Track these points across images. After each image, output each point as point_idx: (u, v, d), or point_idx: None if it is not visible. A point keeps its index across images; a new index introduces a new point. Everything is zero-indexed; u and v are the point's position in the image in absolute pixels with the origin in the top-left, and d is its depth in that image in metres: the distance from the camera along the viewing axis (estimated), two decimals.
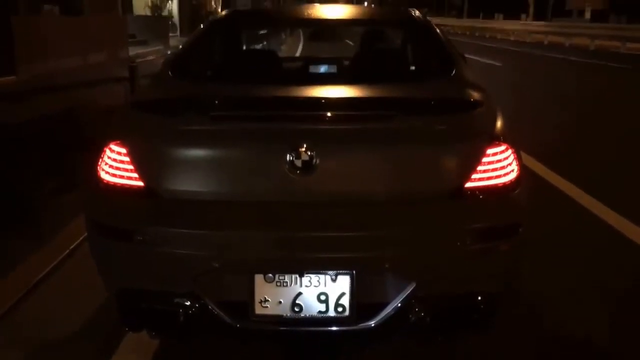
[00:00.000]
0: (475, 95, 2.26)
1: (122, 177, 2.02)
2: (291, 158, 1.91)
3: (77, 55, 11.53)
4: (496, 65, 15.30)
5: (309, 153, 1.90)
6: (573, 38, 22.67)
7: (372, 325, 1.95)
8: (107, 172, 2.04)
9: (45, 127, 5.89)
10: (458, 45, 2.80)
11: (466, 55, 3.03)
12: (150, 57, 10.92)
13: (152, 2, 20.96)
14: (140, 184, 2.00)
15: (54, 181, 4.37)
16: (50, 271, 3.07)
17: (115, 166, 2.03)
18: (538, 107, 8.77)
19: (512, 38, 27.62)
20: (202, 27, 3.08)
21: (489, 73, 12.77)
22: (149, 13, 20.75)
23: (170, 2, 22.13)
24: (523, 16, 35.91)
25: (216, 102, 2.14)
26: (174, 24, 22.60)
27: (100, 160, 2.07)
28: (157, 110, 2.19)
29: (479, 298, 2.05)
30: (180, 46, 2.86)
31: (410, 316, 1.97)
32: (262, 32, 11.99)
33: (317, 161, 1.91)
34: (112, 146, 2.05)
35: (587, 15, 36.34)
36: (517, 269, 2.20)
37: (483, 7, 42.00)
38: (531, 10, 36.15)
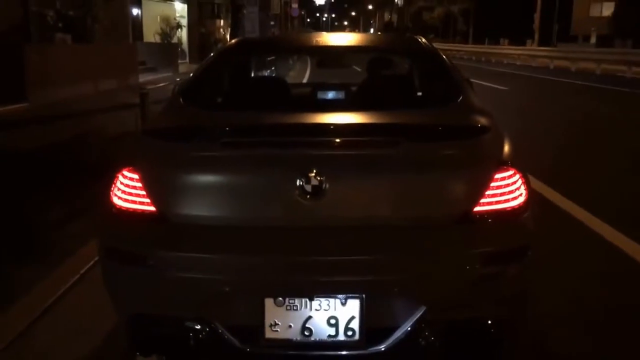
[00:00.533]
0: (483, 120, 2.28)
1: (134, 202, 2.05)
2: (301, 183, 1.94)
3: (88, 82, 11.75)
4: (502, 89, 15.39)
5: (319, 178, 1.93)
6: (579, 62, 22.81)
7: (382, 349, 1.95)
8: (119, 198, 2.07)
9: (56, 154, 5.97)
10: (464, 69, 2.83)
11: (472, 80, 3.07)
12: (161, 84, 11.05)
13: (161, 29, 21.28)
14: (153, 209, 2.03)
15: (63, 207, 4.41)
16: (60, 296, 3.09)
17: (128, 192, 2.06)
18: (543, 130, 8.82)
19: (518, 63, 27.82)
20: (212, 55, 3.15)
21: (495, 97, 12.83)
22: (158, 40, 21.06)
23: (179, 29, 22.47)
24: (529, 42, 36.14)
25: (227, 128, 2.18)
26: (183, 51, 22.94)
27: (113, 186, 2.11)
28: (169, 137, 2.23)
29: (489, 322, 2.04)
30: (191, 74, 2.92)
31: (420, 340, 1.97)
32: (270, 58, 12.13)
33: (327, 186, 1.94)
34: (125, 172, 2.08)
35: (593, 40, 36.56)
36: (528, 292, 2.19)
37: (488, 33, 42.38)
38: (536, 35, 36.38)
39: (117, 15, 14.81)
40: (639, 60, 19.57)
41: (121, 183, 2.08)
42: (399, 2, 77.14)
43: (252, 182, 2.01)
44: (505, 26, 42.39)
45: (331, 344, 1.96)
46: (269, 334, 1.95)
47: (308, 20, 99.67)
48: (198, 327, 2.00)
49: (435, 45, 3.20)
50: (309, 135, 2.12)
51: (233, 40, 3.49)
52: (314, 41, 3.40)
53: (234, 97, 2.94)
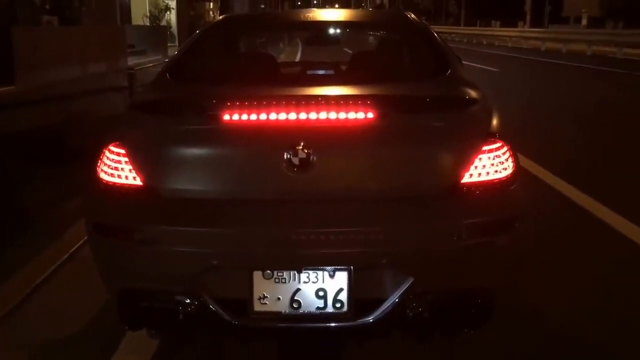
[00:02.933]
0: (471, 93, 2.28)
1: (120, 177, 2.04)
2: (288, 156, 1.93)
3: (76, 65, 11.58)
4: (493, 70, 15.37)
5: (306, 151, 1.92)
6: (570, 44, 22.77)
7: (371, 320, 1.96)
8: (106, 173, 2.06)
9: (44, 137, 5.93)
10: (455, 52, 2.83)
11: (464, 62, 3.06)
12: (150, 66, 10.96)
13: (150, 12, 21.02)
14: (140, 183, 2.01)
15: (52, 188, 4.39)
16: (52, 273, 3.10)
17: (114, 166, 2.05)
18: (532, 108, 8.89)
19: (509, 45, 27.76)
20: (197, 32, 3.12)
21: (485, 78, 12.82)
22: (147, 23, 20.80)
23: (168, 12, 22.20)
24: (520, 23, 36.07)
25: (213, 101, 2.17)
26: (172, 34, 22.67)
27: (100, 161, 2.09)
28: (156, 111, 2.21)
29: (477, 293, 2.06)
30: (176, 51, 2.89)
31: (409, 312, 1.98)
32: (260, 40, 12.02)
33: (314, 159, 1.93)
34: (111, 147, 2.07)
35: (584, 22, 36.49)
36: (515, 264, 2.21)
37: (480, 15, 42.23)
38: (528, 17, 36.29)
39: None
40: (630, 41, 19.60)
41: (107, 158, 2.07)
42: None
43: (239, 156, 2.01)
44: (497, 8, 42.23)
45: (320, 316, 1.97)
46: (257, 307, 1.95)
47: (299, 2, 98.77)
48: (187, 300, 2.00)
49: None
50: (297, 108, 2.10)
51: (219, 17, 3.46)
52: (301, 17, 3.38)
53: (221, 72, 2.91)
